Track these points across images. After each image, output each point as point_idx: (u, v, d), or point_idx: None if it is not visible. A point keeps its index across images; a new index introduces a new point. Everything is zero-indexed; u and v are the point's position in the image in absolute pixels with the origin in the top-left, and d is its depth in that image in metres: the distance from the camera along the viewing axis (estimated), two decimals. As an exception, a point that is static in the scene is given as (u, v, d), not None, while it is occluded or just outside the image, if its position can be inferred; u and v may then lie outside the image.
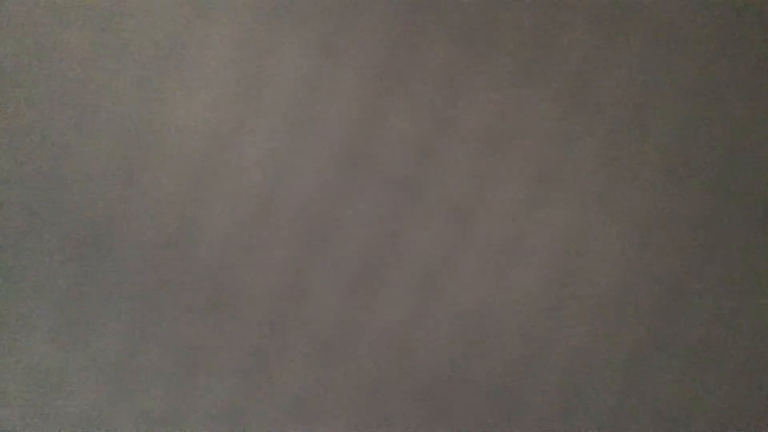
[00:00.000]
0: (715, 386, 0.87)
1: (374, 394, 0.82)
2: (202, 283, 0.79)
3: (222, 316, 0.80)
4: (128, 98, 0.77)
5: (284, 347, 0.81)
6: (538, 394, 0.84)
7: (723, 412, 0.87)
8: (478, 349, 0.83)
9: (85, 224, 0.78)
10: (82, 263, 0.78)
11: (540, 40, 0.81)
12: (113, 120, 0.77)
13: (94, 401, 0.79)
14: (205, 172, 0.78)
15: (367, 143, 0.80)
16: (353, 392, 0.82)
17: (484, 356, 0.83)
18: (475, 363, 0.83)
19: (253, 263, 0.80)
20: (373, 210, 0.81)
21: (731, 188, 0.85)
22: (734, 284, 0.86)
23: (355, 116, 0.80)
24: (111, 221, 0.78)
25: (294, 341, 0.81)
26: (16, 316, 0.78)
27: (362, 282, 0.81)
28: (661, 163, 0.84)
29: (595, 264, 0.84)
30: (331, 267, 0.81)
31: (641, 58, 0.83)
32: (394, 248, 0.81)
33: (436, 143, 0.81)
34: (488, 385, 0.83)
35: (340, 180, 0.80)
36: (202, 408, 0.81)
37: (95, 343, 0.79)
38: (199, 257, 0.79)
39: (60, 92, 0.77)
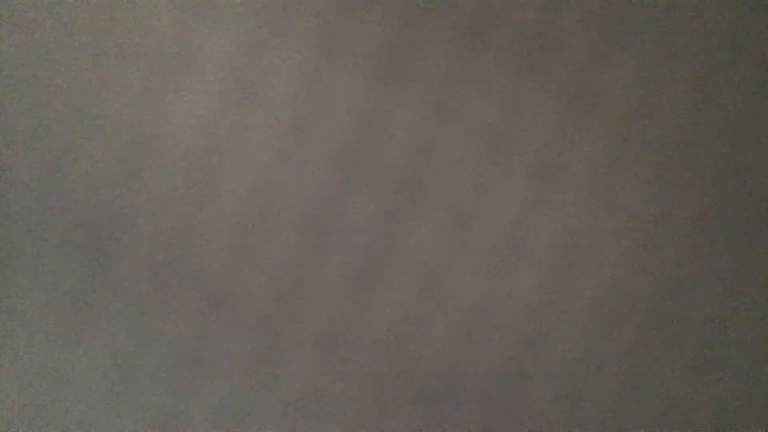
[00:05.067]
0: (715, 386, 0.87)
1: (374, 394, 0.82)
2: (202, 283, 0.79)
3: (222, 316, 0.80)
4: (128, 99, 0.77)
5: (284, 347, 0.81)
6: (538, 394, 0.84)
7: (723, 412, 0.87)
8: (478, 348, 0.83)
9: (86, 224, 0.78)
10: (83, 263, 0.78)
11: (540, 39, 0.81)
12: (114, 120, 0.77)
13: (94, 401, 0.79)
14: (206, 172, 0.78)
15: (368, 143, 0.80)
16: (353, 392, 0.82)
17: (483, 356, 0.83)
18: (475, 363, 0.83)
19: (253, 263, 0.80)
20: (373, 210, 0.81)
21: (731, 188, 0.85)
22: (734, 284, 0.86)
23: (355, 116, 0.80)
24: (111, 221, 0.78)
25: (294, 341, 0.81)
26: (16, 315, 0.78)
27: (362, 282, 0.81)
28: (661, 162, 0.84)
29: (594, 264, 0.84)
30: (331, 267, 0.81)
31: (641, 57, 0.83)
32: (394, 248, 0.81)
33: (437, 143, 0.81)
34: (488, 385, 0.83)
35: (340, 180, 0.80)
36: (202, 408, 0.81)
37: (95, 343, 0.79)
38: (199, 257, 0.79)
39: (61, 93, 0.77)
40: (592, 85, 0.82)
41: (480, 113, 0.81)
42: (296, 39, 0.78)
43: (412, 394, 0.83)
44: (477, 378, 0.83)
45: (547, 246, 0.83)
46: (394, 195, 0.81)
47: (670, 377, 0.86)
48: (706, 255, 0.85)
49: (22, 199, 0.77)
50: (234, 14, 0.78)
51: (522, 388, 0.84)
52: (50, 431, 0.79)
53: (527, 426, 0.84)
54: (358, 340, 0.82)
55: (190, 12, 0.77)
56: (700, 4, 0.84)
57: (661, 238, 0.85)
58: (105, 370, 0.79)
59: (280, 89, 0.79)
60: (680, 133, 0.84)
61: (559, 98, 0.82)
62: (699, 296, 0.86)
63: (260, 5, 0.78)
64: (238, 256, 0.79)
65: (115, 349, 0.79)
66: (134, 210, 0.78)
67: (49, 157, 0.77)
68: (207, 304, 0.80)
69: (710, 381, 0.86)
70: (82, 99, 0.77)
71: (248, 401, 0.81)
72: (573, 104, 0.82)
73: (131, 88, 0.77)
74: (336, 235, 0.80)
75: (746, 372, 0.87)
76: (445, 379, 0.83)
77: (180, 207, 0.79)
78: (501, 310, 0.83)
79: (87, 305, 0.78)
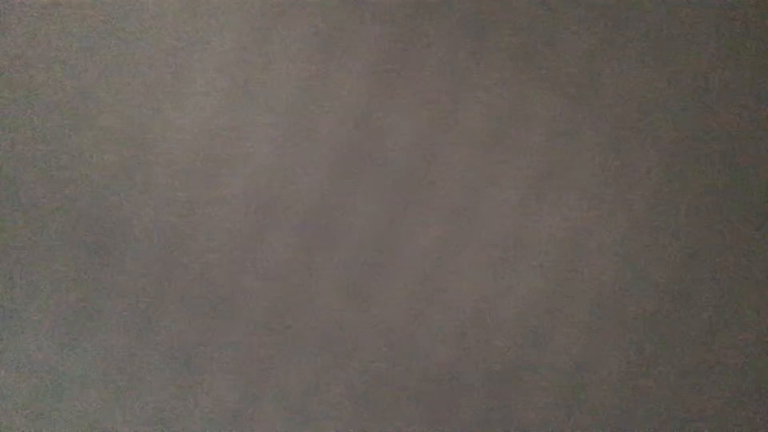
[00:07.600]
0: (715, 387, 0.87)
1: (374, 394, 0.82)
2: (202, 283, 0.79)
3: (223, 316, 0.80)
4: (129, 99, 0.77)
5: (284, 347, 0.81)
6: (538, 395, 0.84)
7: (723, 414, 0.87)
8: (478, 349, 0.83)
9: (87, 225, 0.78)
10: (83, 264, 0.78)
11: (541, 38, 0.81)
12: (114, 121, 0.77)
13: (94, 401, 0.80)
14: (206, 172, 0.78)
15: (368, 143, 0.80)
16: (353, 392, 0.82)
17: (483, 356, 0.83)
18: (475, 363, 0.83)
19: (254, 264, 0.80)
20: (373, 210, 0.81)
21: (731, 188, 0.85)
22: (734, 284, 0.86)
23: (355, 116, 0.80)
24: (112, 222, 0.78)
25: (294, 341, 0.81)
26: (17, 316, 0.78)
27: (362, 282, 0.81)
28: (662, 162, 0.84)
29: (595, 264, 0.84)
30: (331, 267, 0.81)
31: (642, 57, 0.83)
32: (395, 248, 0.81)
33: (436, 143, 0.81)
34: (488, 385, 0.83)
35: (340, 180, 0.80)
36: (202, 408, 0.81)
37: (96, 343, 0.79)
38: (199, 257, 0.79)
39: (61, 94, 0.77)
40: (593, 85, 0.82)
41: (480, 113, 0.81)
42: (296, 39, 0.78)
43: (412, 394, 0.83)
44: (477, 378, 0.83)
45: (547, 246, 0.83)
46: (394, 195, 0.81)
47: (671, 377, 0.86)
48: (707, 255, 0.85)
49: (23, 199, 0.77)
50: (234, 14, 0.77)
51: (522, 387, 0.84)
52: (50, 431, 0.79)
53: (527, 425, 0.84)
54: (358, 341, 0.82)
55: (190, 12, 0.77)
56: (700, 4, 0.84)
57: (662, 238, 0.84)
58: (105, 370, 0.79)
59: (280, 89, 0.79)
60: (681, 132, 0.84)
61: (560, 98, 0.82)
62: (700, 296, 0.86)
63: (260, 5, 0.78)
64: (239, 257, 0.79)
65: (115, 350, 0.79)
66: (134, 211, 0.78)
67: (50, 157, 0.77)
68: (207, 304, 0.80)
69: (710, 381, 0.87)
70: (82, 100, 0.77)
71: (248, 402, 0.81)
72: (574, 104, 0.82)
73: (131, 89, 0.77)
74: (336, 236, 0.80)
75: (746, 373, 0.87)
76: (445, 379, 0.83)
77: (180, 207, 0.79)
78: (501, 310, 0.83)
79: (87, 305, 0.78)
